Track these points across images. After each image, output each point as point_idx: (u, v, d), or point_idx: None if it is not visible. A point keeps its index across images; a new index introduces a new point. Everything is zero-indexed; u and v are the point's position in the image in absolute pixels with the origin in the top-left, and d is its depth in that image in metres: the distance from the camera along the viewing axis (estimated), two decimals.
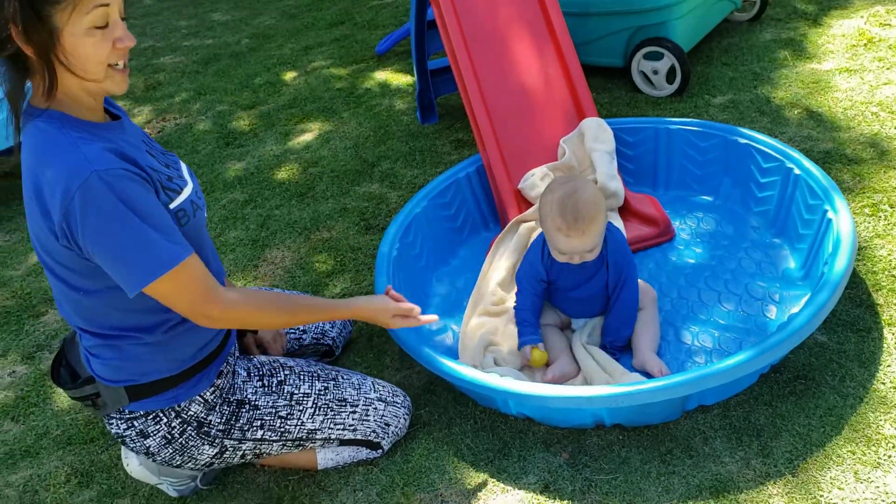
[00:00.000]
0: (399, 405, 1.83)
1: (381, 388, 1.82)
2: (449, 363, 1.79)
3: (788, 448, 1.69)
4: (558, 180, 1.87)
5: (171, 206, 1.45)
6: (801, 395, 1.80)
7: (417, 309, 1.73)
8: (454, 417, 1.93)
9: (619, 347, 1.97)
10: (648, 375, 1.88)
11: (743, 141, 2.34)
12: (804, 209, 2.14)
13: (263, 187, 3.11)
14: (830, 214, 1.99)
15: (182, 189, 1.50)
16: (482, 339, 2.06)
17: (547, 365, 1.95)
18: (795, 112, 2.85)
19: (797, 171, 2.17)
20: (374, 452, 1.84)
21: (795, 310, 2.00)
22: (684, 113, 2.97)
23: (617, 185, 2.35)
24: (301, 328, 2.02)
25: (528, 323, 1.98)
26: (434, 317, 1.77)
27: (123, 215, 1.30)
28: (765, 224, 2.31)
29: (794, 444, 1.70)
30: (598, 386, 1.66)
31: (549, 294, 2.06)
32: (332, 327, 2.09)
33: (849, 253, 1.83)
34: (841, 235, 1.89)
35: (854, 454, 1.65)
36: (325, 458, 1.82)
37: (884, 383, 1.78)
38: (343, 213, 2.79)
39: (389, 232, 2.26)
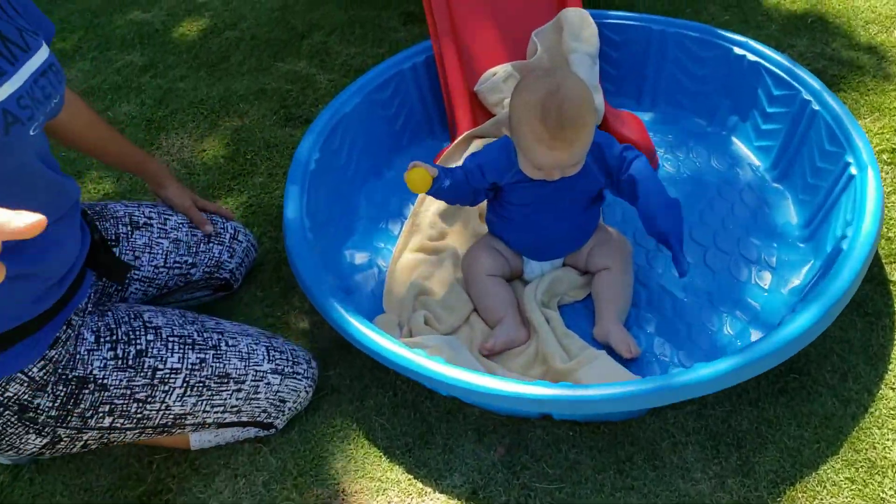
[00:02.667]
0: (300, 377, 1.45)
1: (277, 356, 1.43)
2: (361, 328, 1.40)
3: (774, 466, 1.38)
4: (534, 74, 1.42)
5: None
6: (794, 396, 1.47)
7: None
8: (370, 386, 1.56)
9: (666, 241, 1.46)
10: (613, 351, 1.53)
11: (752, 58, 1.90)
12: (818, 155, 1.74)
13: (168, 51, 2.55)
14: (853, 170, 1.60)
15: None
16: (413, 285, 1.67)
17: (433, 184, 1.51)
18: (809, 21, 2.39)
19: (815, 106, 1.76)
20: (265, 430, 1.47)
21: (796, 282, 1.64)
22: (678, 7, 2.49)
23: (597, 99, 1.91)
24: (189, 261, 1.59)
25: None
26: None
27: None
28: (766, 163, 1.91)
29: (780, 461, 1.38)
30: (538, 386, 1.29)
31: (495, 217, 1.64)
32: (231, 257, 1.66)
33: (873, 233, 1.46)
34: (866, 203, 1.51)
35: (853, 483, 1.34)
36: (201, 439, 1.44)
37: (893, 388, 1.47)
38: (260, 95, 2.29)
39: (311, 133, 1.80)
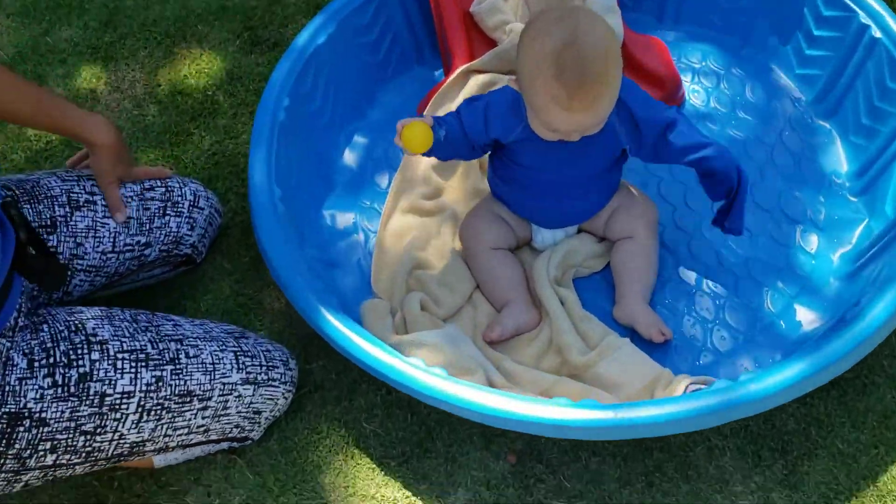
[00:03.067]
0: (276, 382, 1.24)
1: (248, 363, 1.21)
2: (347, 333, 1.18)
3: (825, 477, 1.20)
4: (546, 17, 1.14)
5: None
6: (846, 389, 1.28)
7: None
8: (359, 381, 1.35)
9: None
10: (638, 336, 1.33)
11: None
12: (877, 93, 1.48)
13: None
14: None
15: None
16: (406, 259, 1.44)
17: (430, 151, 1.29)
18: None
19: (877, 33, 1.48)
20: (239, 443, 1.27)
21: (847, 246, 1.42)
22: None
23: (614, 21, 1.62)
24: (143, 240, 1.35)
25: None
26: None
27: None
28: (810, 95, 1.65)
29: (833, 470, 1.21)
30: (562, 407, 1.08)
31: (498, 178, 1.40)
32: (192, 229, 1.42)
33: None
34: None
35: None
36: (166, 458, 1.25)
37: None
38: (221, 13, 1.97)
39: (277, 76, 1.51)
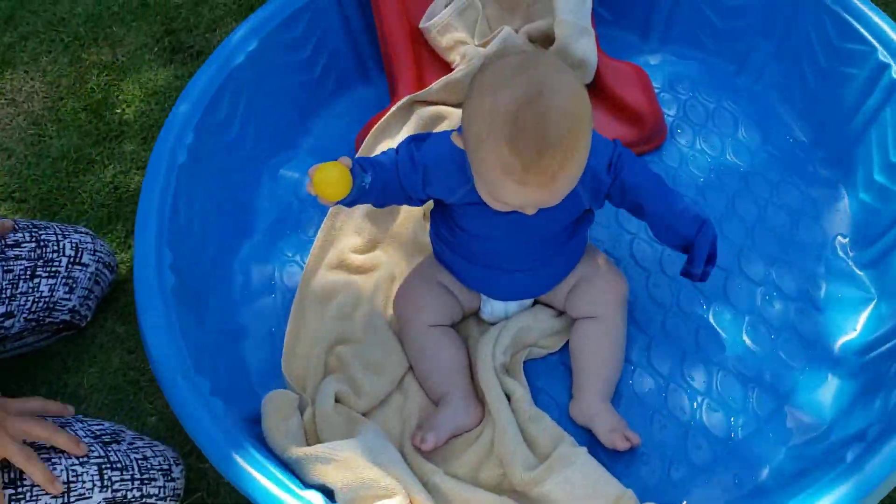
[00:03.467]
0: (153, 499, 1.02)
1: (116, 478, 0.98)
2: (224, 453, 0.96)
3: None
4: (503, 63, 0.88)
5: None
6: None
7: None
8: None
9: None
10: (597, 440, 1.11)
11: None
12: (893, 149, 1.24)
13: None
14: None
15: None
16: (328, 329, 1.21)
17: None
18: None
19: None
20: None
21: (851, 333, 1.20)
22: None
23: (587, 46, 1.37)
24: (2, 309, 1.12)
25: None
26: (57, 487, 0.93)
27: None
28: (812, 136, 1.41)
29: None
30: None
31: (441, 241, 1.17)
32: (71, 291, 1.19)
33: None
34: None
35: None
36: None
37: None
38: (141, 12, 1.71)
39: (177, 112, 1.26)
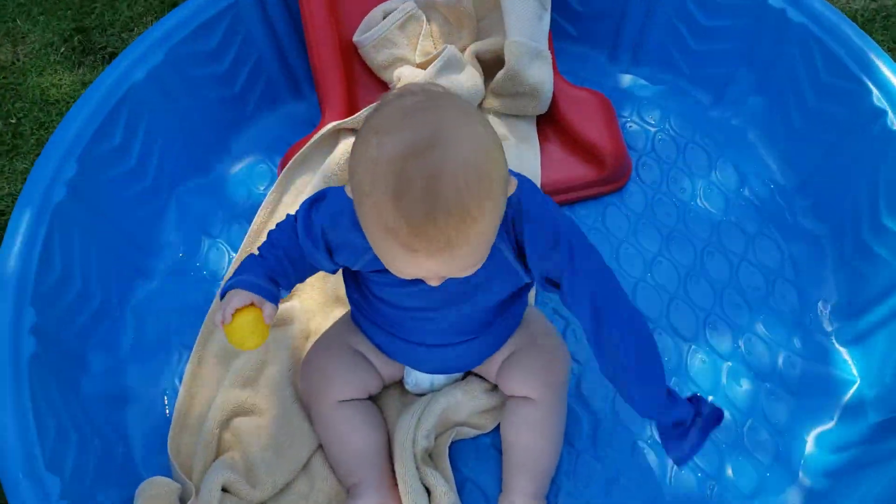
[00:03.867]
0: None
1: None
2: None
3: None
4: (398, 101, 0.70)
5: None
6: None
7: None
8: None
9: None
10: None
11: (799, 18, 1.17)
12: (886, 204, 1.08)
13: None
14: None
15: None
16: (224, 399, 1.04)
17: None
18: None
19: (893, 122, 1.07)
20: None
21: (825, 427, 1.04)
22: None
23: (541, 71, 1.19)
24: None
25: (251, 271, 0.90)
26: None
27: None
28: (795, 180, 1.24)
29: None
30: None
31: (356, 307, 1.00)
32: None
33: None
34: None
35: None
36: None
37: None
38: (49, 5, 1.51)
39: (58, 138, 1.07)
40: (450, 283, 0.80)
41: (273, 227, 1.08)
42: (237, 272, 0.88)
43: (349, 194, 0.76)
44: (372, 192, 0.68)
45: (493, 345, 1.00)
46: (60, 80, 1.41)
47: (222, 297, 0.86)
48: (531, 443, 0.98)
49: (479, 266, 0.75)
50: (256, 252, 0.92)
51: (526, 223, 0.81)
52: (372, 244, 0.74)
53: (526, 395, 0.99)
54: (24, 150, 1.33)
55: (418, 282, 0.80)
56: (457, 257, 0.70)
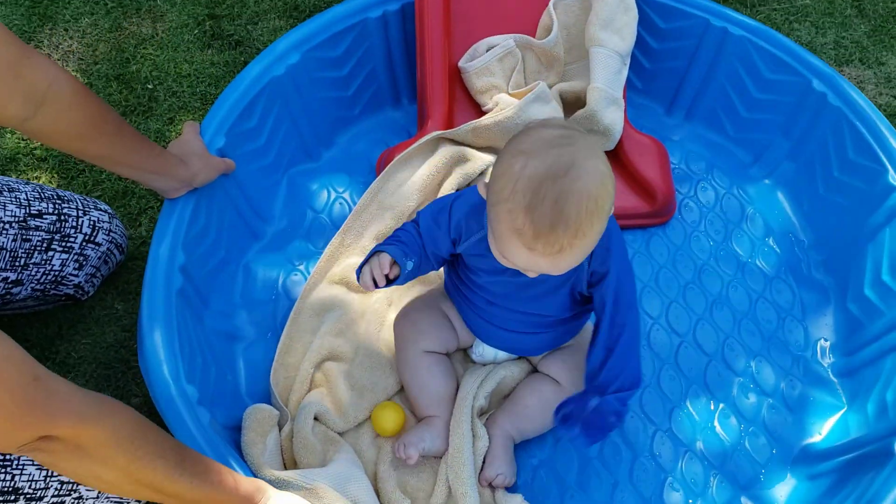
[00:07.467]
0: None
1: None
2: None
3: None
4: (541, 132, 0.92)
5: None
6: None
7: None
8: None
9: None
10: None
11: (836, 102, 1.40)
12: (889, 268, 1.30)
13: None
14: None
15: None
16: (319, 344, 1.24)
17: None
18: None
19: None
20: None
21: (816, 437, 1.25)
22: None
23: (615, 116, 1.41)
24: (13, 276, 1.14)
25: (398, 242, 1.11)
26: None
27: None
28: (814, 241, 1.46)
29: None
30: None
31: (452, 285, 1.22)
32: (80, 268, 1.22)
33: None
34: None
35: None
36: None
37: None
38: None
39: (215, 112, 1.29)
40: (529, 281, 1.01)
41: (374, 208, 1.32)
42: (385, 242, 1.09)
43: (482, 194, 0.98)
44: (509, 198, 0.89)
45: (554, 342, 1.21)
46: (192, 57, 1.62)
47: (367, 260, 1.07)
48: (533, 403, 1.19)
49: (567, 270, 0.97)
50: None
51: (599, 247, 1.02)
52: (495, 237, 0.95)
53: (556, 378, 1.20)
54: (158, 113, 1.54)
55: (510, 271, 1.01)
56: (562, 260, 0.92)
